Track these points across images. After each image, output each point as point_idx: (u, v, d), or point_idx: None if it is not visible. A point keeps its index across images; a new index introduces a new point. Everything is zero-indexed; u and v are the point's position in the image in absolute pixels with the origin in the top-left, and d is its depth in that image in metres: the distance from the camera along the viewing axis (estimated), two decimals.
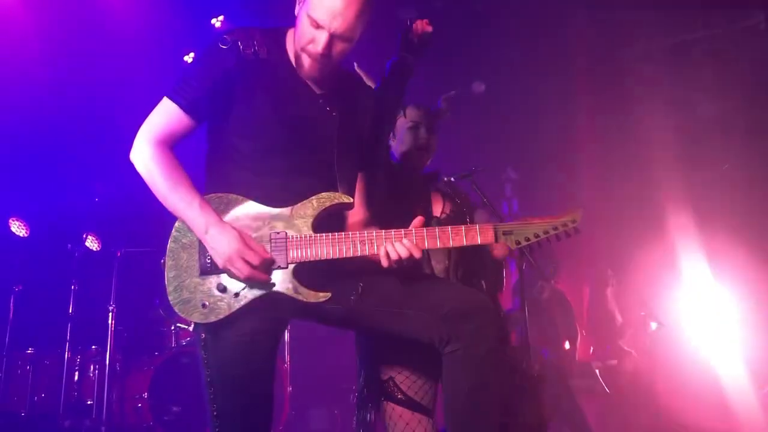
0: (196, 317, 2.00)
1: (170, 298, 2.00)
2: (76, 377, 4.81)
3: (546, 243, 2.08)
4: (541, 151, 6.96)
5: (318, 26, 2.03)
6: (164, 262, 2.04)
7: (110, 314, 4.70)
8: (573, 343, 5.44)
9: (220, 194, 2.06)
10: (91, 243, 5.21)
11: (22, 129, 5.33)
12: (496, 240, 2.04)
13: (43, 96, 5.33)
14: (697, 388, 5.89)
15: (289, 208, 2.06)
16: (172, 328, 4.83)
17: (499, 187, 4.93)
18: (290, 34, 2.16)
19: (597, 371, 5.54)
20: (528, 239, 2.06)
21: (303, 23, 2.06)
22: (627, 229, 6.76)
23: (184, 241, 2.04)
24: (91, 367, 4.82)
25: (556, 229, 2.07)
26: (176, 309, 1.99)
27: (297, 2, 2.14)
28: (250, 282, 2.01)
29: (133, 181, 2.14)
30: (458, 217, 2.93)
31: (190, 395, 4.42)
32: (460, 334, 2.04)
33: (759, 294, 6.12)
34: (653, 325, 6.39)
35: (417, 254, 2.02)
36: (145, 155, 2.05)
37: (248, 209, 2.05)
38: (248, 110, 2.07)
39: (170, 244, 2.04)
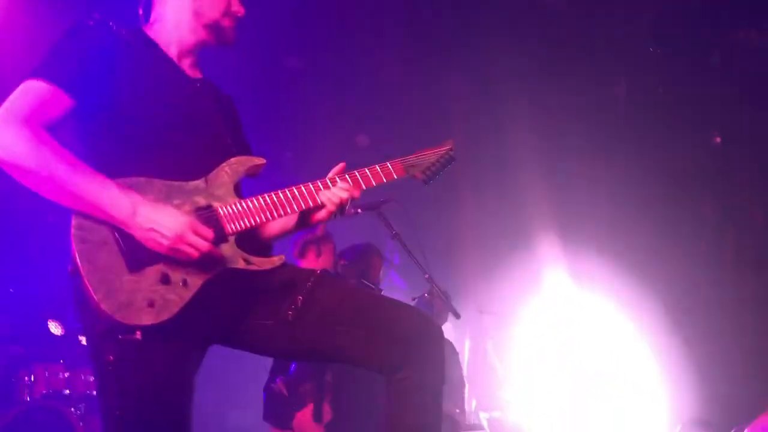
0: (148, 319, 1.66)
1: (104, 306, 1.64)
2: None
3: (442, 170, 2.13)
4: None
5: None
6: (72, 269, 1.68)
7: None
8: (461, 394, 5.34)
9: (120, 179, 1.74)
10: None
11: None
12: (406, 173, 2.05)
13: None
14: None
15: (202, 180, 1.84)
16: (28, 378, 4.20)
17: (383, 241, 4.86)
18: (155, 29, 2.02)
19: (486, 422, 5.46)
20: (429, 169, 2.07)
21: None
22: (505, 279, 6.93)
23: (94, 238, 1.68)
24: None
25: (444, 156, 2.09)
26: (117, 317, 1.64)
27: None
28: (199, 262, 1.72)
29: None
30: None
31: None
32: (414, 361, 1.84)
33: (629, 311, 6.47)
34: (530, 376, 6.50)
35: (356, 194, 1.97)
36: (19, 136, 1.67)
37: (160, 189, 1.77)
38: (136, 88, 1.84)
39: (77, 246, 1.67)
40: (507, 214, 6.97)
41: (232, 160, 1.89)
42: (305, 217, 2.02)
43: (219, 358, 2.05)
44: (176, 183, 1.80)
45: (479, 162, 6.82)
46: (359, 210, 3.49)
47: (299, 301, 1.88)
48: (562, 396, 6.20)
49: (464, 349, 6.78)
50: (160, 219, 1.69)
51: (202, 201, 1.81)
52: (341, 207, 1.95)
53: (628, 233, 7.21)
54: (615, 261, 6.65)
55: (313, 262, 3.95)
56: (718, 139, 7.29)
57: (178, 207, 1.76)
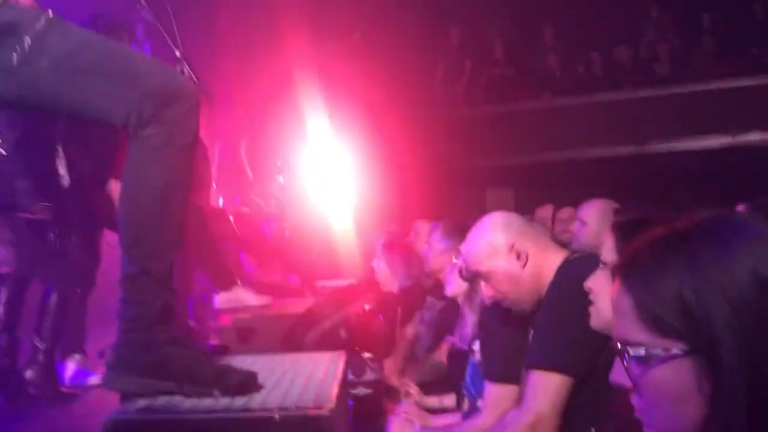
0: None
1: None
2: None
3: None
4: None
5: None
6: None
7: None
8: (208, 191, 5.37)
9: None
10: None
11: None
12: None
13: None
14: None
15: None
16: None
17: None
18: None
19: (231, 218, 5.59)
20: None
21: None
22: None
23: None
24: None
25: None
26: None
27: None
28: None
29: None
30: None
31: None
32: (165, 117, 1.72)
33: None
34: (281, 179, 6.71)
35: None
36: None
37: None
38: None
39: None
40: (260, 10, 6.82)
41: None
42: None
43: None
44: None
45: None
46: None
47: (26, 44, 1.65)
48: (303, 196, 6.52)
49: (215, 150, 6.73)
50: None
51: None
52: None
53: (381, 49, 7.50)
54: (366, 70, 6.92)
55: None
56: None
57: None
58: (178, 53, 3.22)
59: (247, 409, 1.65)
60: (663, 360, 0.87)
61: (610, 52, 8.58)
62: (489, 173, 8.58)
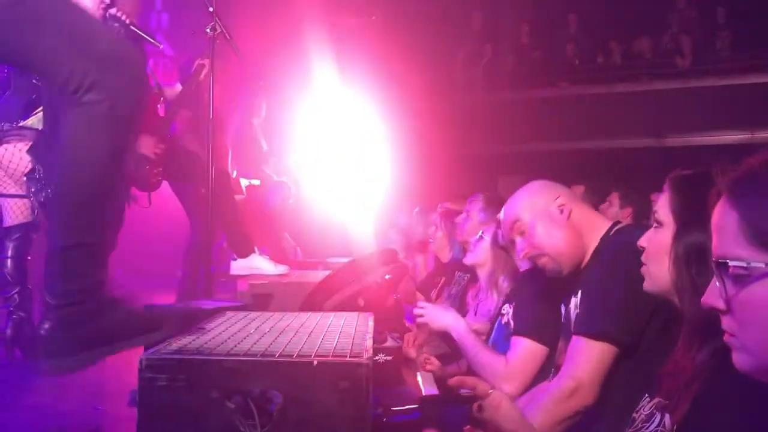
0: None
1: None
2: None
3: None
4: None
5: None
6: None
7: None
8: (225, 159, 5.36)
9: None
10: None
11: None
12: None
13: None
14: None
15: None
16: None
17: None
18: None
19: (244, 187, 5.58)
20: None
21: None
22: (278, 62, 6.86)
23: None
24: None
25: None
26: None
27: None
28: None
29: None
30: None
31: None
32: (108, 85, 1.64)
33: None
34: (294, 157, 6.67)
35: None
36: None
37: None
38: None
39: None
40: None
41: None
42: None
43: None
44: None
45: None
46: None
47: None
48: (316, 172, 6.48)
49: (232, 120, 6.68)
50: None
51: None
52: None
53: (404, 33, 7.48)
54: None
55: None
56: None
57: None
58: (210, 8, 3.18)
59: (284, 354, 1.63)
60: (765, 275, 0.85)
61: (630, 43, 8.51)
62: (501, 160, 8.55)
